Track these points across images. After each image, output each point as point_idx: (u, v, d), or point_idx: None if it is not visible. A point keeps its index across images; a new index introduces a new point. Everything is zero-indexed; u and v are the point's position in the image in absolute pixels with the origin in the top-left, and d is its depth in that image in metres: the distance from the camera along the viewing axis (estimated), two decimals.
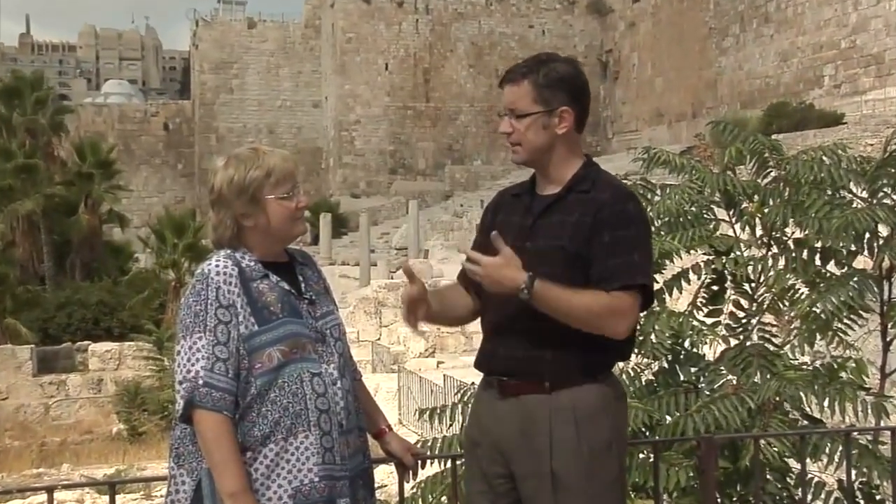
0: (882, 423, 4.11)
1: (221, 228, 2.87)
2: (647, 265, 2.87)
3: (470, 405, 3.47)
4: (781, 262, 4.37)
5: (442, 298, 3.10)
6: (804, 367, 4.18)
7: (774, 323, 4.46)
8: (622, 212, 2.85)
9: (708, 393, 4.11)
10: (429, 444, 4.14)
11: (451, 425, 4.35)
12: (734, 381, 4.14)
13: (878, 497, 4.10)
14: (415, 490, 4.10)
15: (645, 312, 4.14)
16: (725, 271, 4.35)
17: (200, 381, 2.71)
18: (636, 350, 4.10)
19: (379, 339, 22.59)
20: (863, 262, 4.43)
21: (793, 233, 4.47)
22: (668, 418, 4.00)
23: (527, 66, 2.95)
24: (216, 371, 2.72)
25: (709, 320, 4.37)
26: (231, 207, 2.84)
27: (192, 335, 2.74)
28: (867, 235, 4.34)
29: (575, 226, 2.85)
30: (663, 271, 4.42)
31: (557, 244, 2.85)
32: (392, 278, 27.26)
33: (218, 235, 2.89)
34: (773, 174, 4.55)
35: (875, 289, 4.37)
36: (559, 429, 2.84)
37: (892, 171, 4.49)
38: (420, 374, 16.22)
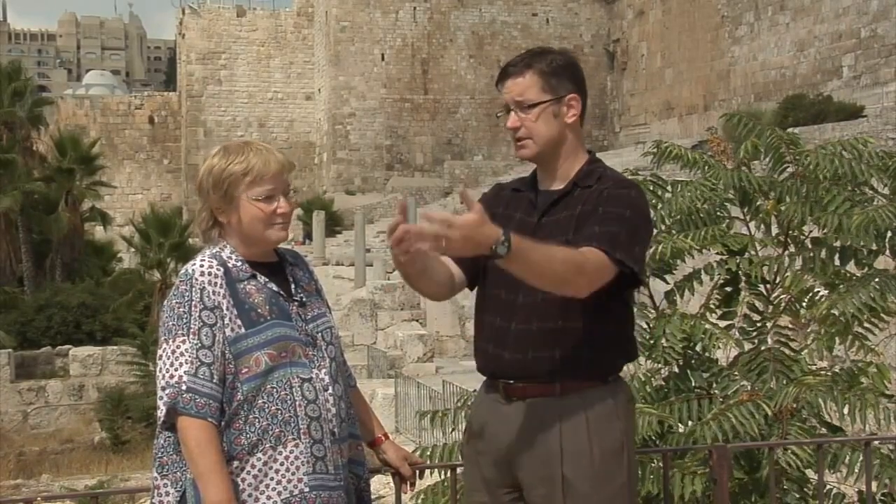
0: None
1: (199, 219, 2.86)
2: (632, 247, 2.75)
3: (470, 411, 3.36)
4: (798, 263, 4.29)
5: (429, 260, 2.88)
6: (822, 372, 4.10)
7: (791, 326, 4.37)
8: (621, 194, 2.82)
9: (722, 399, 4.02)
10: (428, 452, 4.06)
11: (453, 429, 4.29)
12: (749, 388, 4.05)
13: None
14: (413, 501, 4.03)
15: (658, 313, 4.14)
16: (739, 272, 4.26)
17: (184, 387, 2.64)
18: (646, 354, 4.05)
19: (375, 343, 22.46)
20: (884, 262, 4.35)
21: (811, 231, 4.40)
22: (681, 426, 3.93)
23: (528, 58, 2.91)
24: (200, 376, 2.65)
25: (722, 323, 4.29)
26: (208, 199, 2.80)
27: (174, 338, 2.68)
28: (889, 234, 4.26)
29: (578, 217, 2.83)
30: (674, 272, 4.36)
31: (563, 239, 2.79)
32: (388, 279, 27.05)
33: (197, 225, 2.89)
34: (789, 170, 4.49)
35: None
36: (570, 432, 2.80)
37: None
38: (418, 380, 16.12)
